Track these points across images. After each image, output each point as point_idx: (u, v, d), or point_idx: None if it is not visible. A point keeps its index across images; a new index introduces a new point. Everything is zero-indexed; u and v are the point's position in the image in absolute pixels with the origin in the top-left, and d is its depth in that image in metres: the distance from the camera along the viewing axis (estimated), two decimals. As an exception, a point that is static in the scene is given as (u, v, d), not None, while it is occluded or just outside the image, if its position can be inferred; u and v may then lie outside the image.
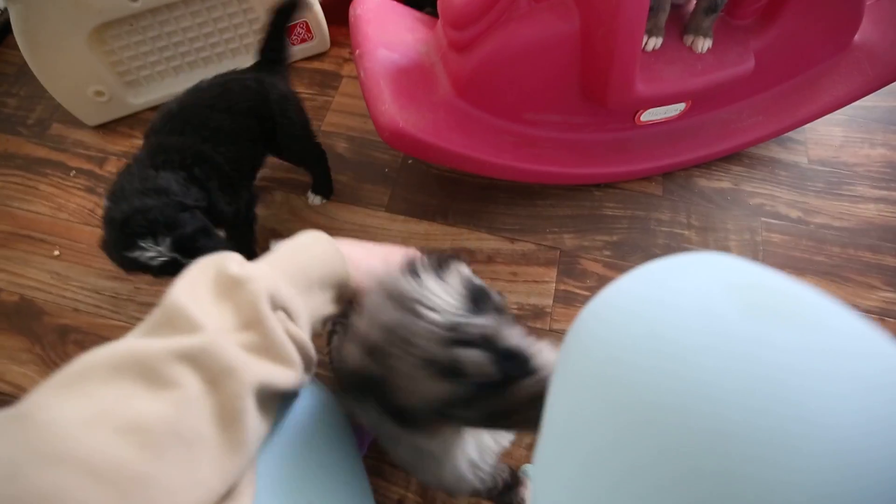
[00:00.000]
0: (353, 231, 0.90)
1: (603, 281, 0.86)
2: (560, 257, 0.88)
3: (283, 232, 0.90)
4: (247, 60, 1.07)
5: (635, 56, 0.67)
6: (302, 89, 1.08)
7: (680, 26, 0.80)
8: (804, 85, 0.91)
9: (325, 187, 0.92)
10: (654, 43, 0.75)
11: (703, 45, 0.77)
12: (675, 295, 0.22)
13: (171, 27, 0.98)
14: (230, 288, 0.35)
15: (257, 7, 0.99)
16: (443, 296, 0.35)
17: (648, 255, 0.89)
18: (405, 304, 0.34)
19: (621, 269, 0.86)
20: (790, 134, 0.99)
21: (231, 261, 0.37)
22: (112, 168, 1.01)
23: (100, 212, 0.95)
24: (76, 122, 1.05)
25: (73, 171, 1.01)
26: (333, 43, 1.12)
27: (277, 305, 0.36)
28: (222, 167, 0.69)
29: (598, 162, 0.86)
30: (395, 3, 0.81)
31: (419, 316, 0.34)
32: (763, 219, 0.93)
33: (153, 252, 0.57)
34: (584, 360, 0.24)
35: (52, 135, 1.07)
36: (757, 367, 0.18)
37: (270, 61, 0.82)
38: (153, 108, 1.06)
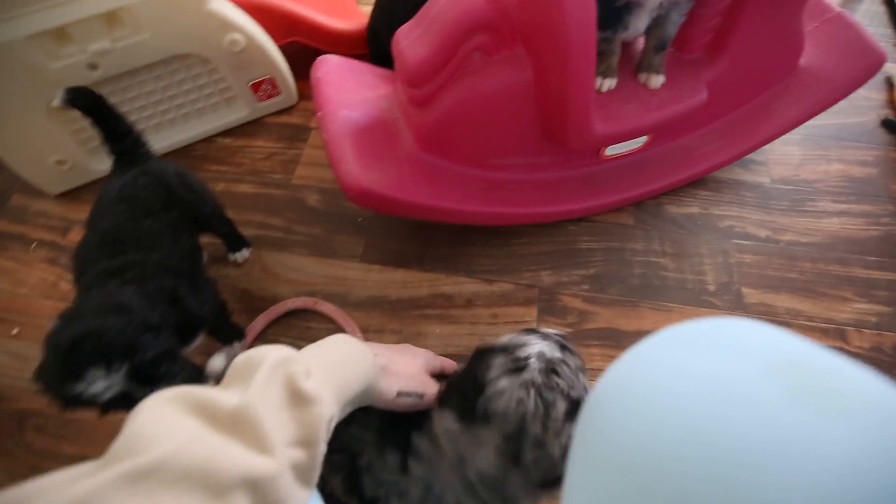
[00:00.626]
0: (330, 284, 0.89)
1: (584, 316, 0.86)
2: (539, 295, 0.87)
3: (256, 291, 0.89)
4: (214, 119, 1.09)
5: (590, 100, 0.68)
6: (271, 144, 1.09)
7: (633, 63, 0.83)
8: (758, 109, 0.95)
9: (239, 240, 0.90)
10: (608, 84, 0.77)
11: (657, 81, 0.80)
12: (712, 382, 0.20)
13: (134, 92, 0.98)
14: (298, 402, 0.36)
15: (221, 68, 0.99)
16: None
17: (627, 285, 0.89)
18: None
19: (601, 303, 0.87)
20: (751, 156, 1.02)
21: (299, 369, 0.37)
22: (75, 237, 0.99)
23: (63, 284, 0.93)
24: (37, 192, 1.03)
25: (35, 244, 0.99)
26: (301, 96, 1.13)
27: (329, 431, 0.38)
28: (181, 267, 0.66)
29: (568, 199, 0.87)
30: (356, 61, 0.83)
31: None
32: (734, 240, 0.95)
33: (102, 383, 0.48)
34: (613, 451, 0.22)
35: (13, 206, 1.04)
36: (815, 463, 0.17)
37: (126, 153, 0.73)
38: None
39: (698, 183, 1.00)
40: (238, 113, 1.10)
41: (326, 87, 0.74)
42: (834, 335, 0.86)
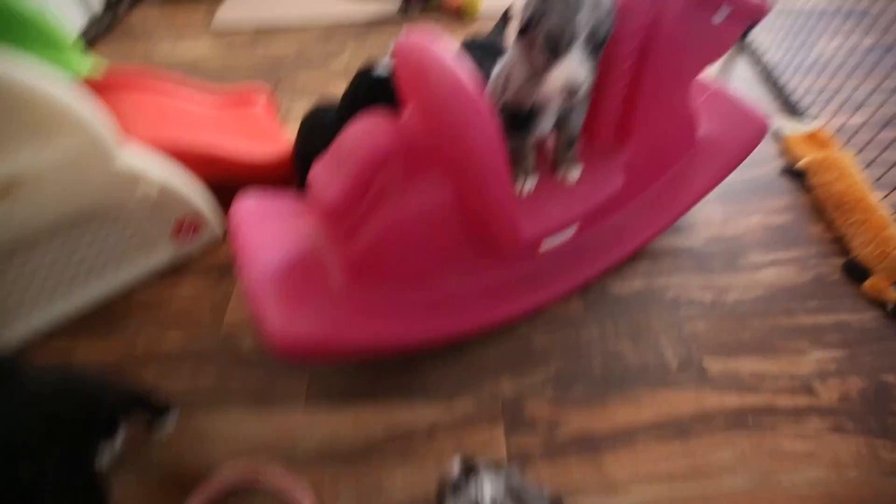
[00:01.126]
0: (274, 440, 0.78)
1: (553, 426, 0.80)
2: (503, 409, 0.81)
3: (187, 463, 0.77)
4: (130, 271, 1.01)
5: (513, 209, 0.69)
6: (197, 288, 1.02)
7: (549, 159, 0.86)
8: (673, 181, 1.00)
9: (160, 409, 0.78)
10: (529, 185, 0.79)
11: (574, 174, 0.82)
12: None
13: (34, 265, 0.90)
14: None
15: (135, 219, 0.94)
16: None
17: (590, 379, 0.85)
18: None
19: (568, 404, 0.82)
20: (679, 222, 1.06)
21: None
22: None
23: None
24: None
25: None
26: (225, 229, 1.09)
27: None
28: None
29: (513, 300, 0.85)
30: (277, 194, 0.81)
31: None
32: (683, 310, 0.95)
33: None
34: None
35: None
36: None
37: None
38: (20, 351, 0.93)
39: (636, 257, 1.02)
40: (157, 259, 1.03)
41: (246, 231, 0.71)
42: (802, 391, 0.84)
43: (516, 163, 0.78)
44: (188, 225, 1.01)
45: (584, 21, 0.59)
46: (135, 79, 1.11)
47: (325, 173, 0.64)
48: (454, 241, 0.74)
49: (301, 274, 0.69)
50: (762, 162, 1.26)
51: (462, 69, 0.55)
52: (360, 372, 0.86)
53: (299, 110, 1.42)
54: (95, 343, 0.93)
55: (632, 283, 0.98)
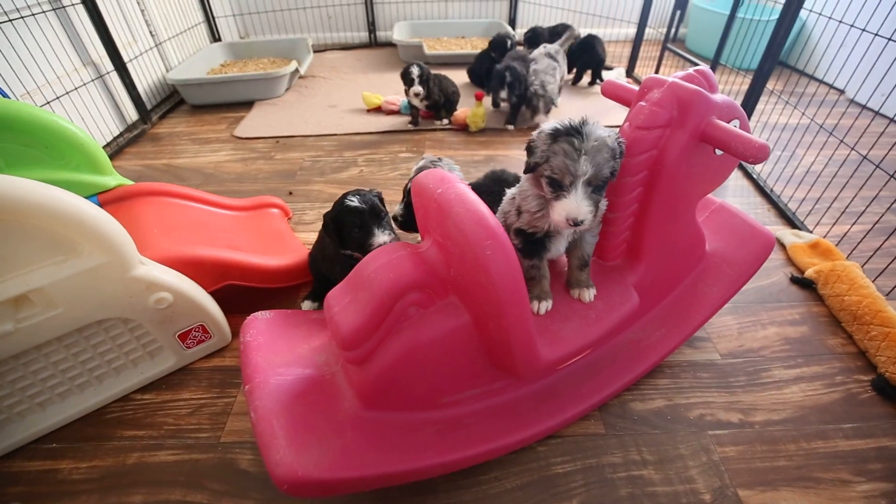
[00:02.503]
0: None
1: (581, 572, 0.71)
2: (524, 552, 0.73)
3: None
4: (134, 375, 0.98)
5: (531, 335, 0.67)
6: (199, 394, 0.98)
7: (562, 279, 0.87)
8: (686, 295, 1.00)
9: None
10: (545, 307, 0.78)
11: (589, 294, 0.82)
12: None
13: (40, 364, 0.88)
14: None
15: (145, 324, 0.93)
16: None
17: (618, 513, 0.78)
18: None
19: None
20: (696, 335, 1.04)
21: None
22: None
23: None
24: None
25: None
26: (235, 334, 1.07)
27: None
28: None
29: (530, 421, 0.80)
30: (289, 313, 0.80)
31: None
32: (710, 432, 0.89)
33: None
34: None
35: None
36: None
37: None
38: (6, 458, 0.88)
39: (655, 372, 0.99)
40: (163, 364, 1.00)
41: (255, 353, 0.69)
42: (853, 533, 0.76)
43: (531, 284, 0.79)
44: (197, 330, 1.00)
45: (584, 167, 0.64)
46: (156, 187, 1.17)
47: (342, 301, 0.64)
48: (470, 364, 0.71)
49: (311, 399, 0.66)
50: (769, 271, 1.27)
51: (482, 205, 0.58)
52: (368, 498, 0.79)
53: (312, 217, 1.48)
54: (83, 457, 0.87)
55: (653, 401, 0.94)
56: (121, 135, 2.02)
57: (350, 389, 0.67)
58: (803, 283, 1.23)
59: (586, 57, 2.41)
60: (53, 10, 1.72)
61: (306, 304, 1.12)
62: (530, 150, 0.71)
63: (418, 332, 0.65)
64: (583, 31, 3.37)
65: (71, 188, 1.08)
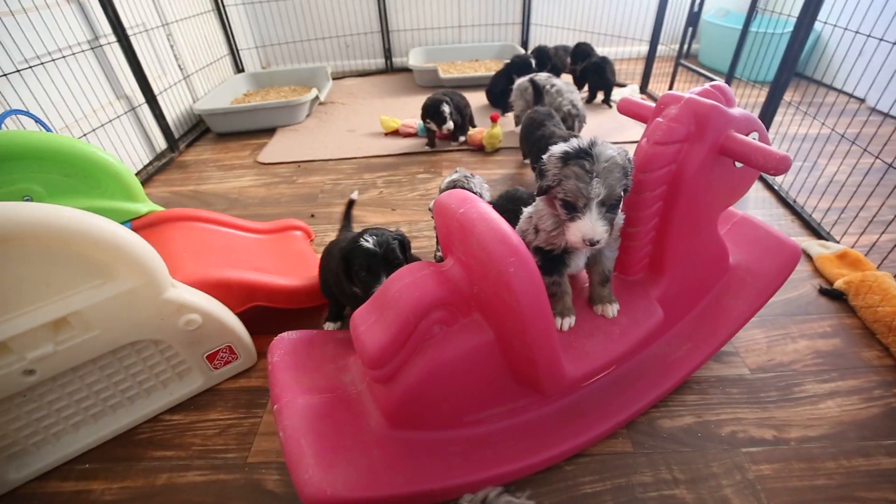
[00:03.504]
0: None
1: None
2: (554, 575, 0.71)
3: None
4: (164, 396, 1.01)
5: (556, 352, 0.67)
6: (226, 415, 0.99)
7: (584, 295, 0.86)
8: (711, 309, 0.98)
9: None
10: (568, 323, 0.78)
11: (612, 310, 0.82)
12: None
13: (75, 386, 0.91)
14: None
15: (175, 345, 0.96)
16: None
17: (650, 536, 0.75)
18: None
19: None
20: (724, 350, 1.02)
21: None
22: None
23: None
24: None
25: None
26: (261, 354, 1.09)
27: None
28: None
29: (557, 439, 0.79)
30: (314, 333, 0.82)
31: None
32: (743, 450, 0.87)
33: None
34: None
35: None
36: None
37: None
38: (41, 478, 0.90)
39: (683, 388, 0.96)
40: (191, 385, 1.03)
41: (283, 373, 0.71)
42: (902, 557, 0.72)
43: (553, 301, 0.79)
44: (224, 351, 1.02)
45: (597, 189, 0.65)
46: (184, 213, 1.21)
47: (368, 321, 0.65)
48: (495, 382, 0.72)
49: (339, 418, 0.66)
50: (795, 283, 1.24)
51: (504, 223, 0.59)
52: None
53: (334, 238, 1.51)
54: (114, 477, 0.89)
55: (682, 418, 0.92)
56: (150, 163, 2.11)
57: (376, 408, 0.68)
58: (833, 295, 1.19)
59: (596, 79, 2.44)
60: (91, 48, 1.82)
61: (328, 326, 1.13)
62: (542, 173, 0.72)
63: (443, 351, 0.65)
64: (596, 51, 3.41)
65: (107, 215, 1.13)
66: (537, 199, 0.79)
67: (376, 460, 0.63)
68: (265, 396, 1.02)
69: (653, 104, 0.84)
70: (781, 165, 0.66)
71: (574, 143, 0.69)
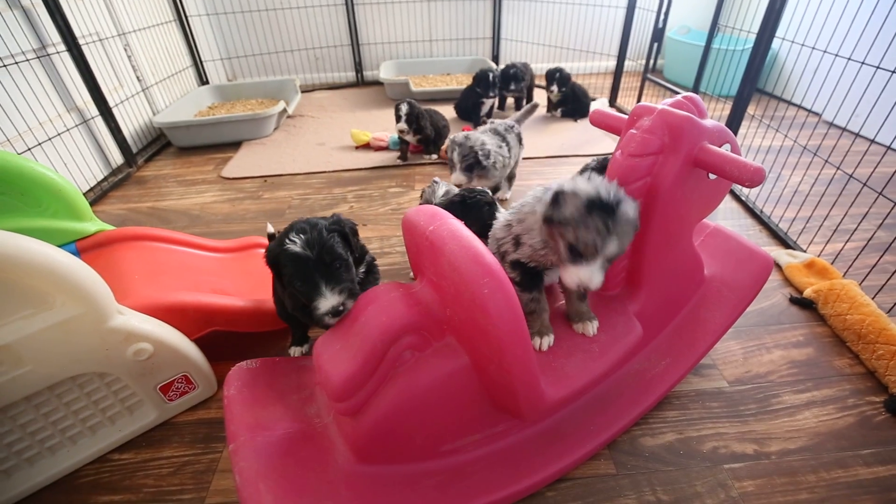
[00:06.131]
0: None
1: None
2: None
3: None
4: (112, 433, 0.92)
5: (534, 373, 0.64)
6: (182, 451, 0.91)
7: (560, 311, 0.83)
8: (688, 322, 0.97)
9: None
10: (547, 342, 0.75)
11: (592, 327, 0.79)
12: None
13: (5, 427, 0.81)
14: None
15: (124, 377, 0.87)
16: None
17: (636, 564, 0.72)
18: None
19: None
20: (702, 363, 1.01)
21: None
22: None
23: None
24: None
25: None
26: (220, 382, 1.01)
27: None
28: None
29: (537, 464, 0.75)
30: (276, 361, 0.75)
31: None
32: (725, 466, 0.85)
33: None
34: None
35: None
36: None
37: None
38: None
39: (663, 404, 0.94)
40: (143, 420, 0.94)
41: (240, 408, 0.64)
42: (887, 572, 0.71)
43: (531, 319, 0.75)
44: (180, 381, 0.94)
45: (611, 247, 0.62)
46: (137, 232, 1.13)
47: (332, 348, 0.60)
48: (471, 408, 0.67)
49: (301, 459, 0.60)
50: (767, 293, 1.25)
51: (476, 241, 0.55)
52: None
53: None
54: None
55: (663, 435, 0.89)
56: (105, 179, 2.00)
57: (343, 443, 0.63)
58: (803, 304, 1.21)
59: (576, 106, 2.49)
60: (38, 57, 1.72)
61: (294, 351, 1.07)
62: (556, 203, 0.67)
63: (415, 378, 0.60)
64: (564, 65, 3.49)
65: (48, 236, 1.06)
66: (522, 207, 0.76)
67: (344, 500, 0.57)
68: (223, 432, 0.94)
69: (625, 116, 0.83)
70: (756, 177, 0.65)
71: (602, 189, 0.65)
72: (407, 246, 0.67)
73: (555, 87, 2.41)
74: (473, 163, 1.43)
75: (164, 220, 1.69)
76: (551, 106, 2.56)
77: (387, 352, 0.58)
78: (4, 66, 1.56)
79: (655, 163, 0.72)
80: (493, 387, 0.65)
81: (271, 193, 1.85)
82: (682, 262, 0.91)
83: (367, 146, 2.20)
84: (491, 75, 2.33)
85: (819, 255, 1.34)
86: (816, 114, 2.55)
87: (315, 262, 0.72)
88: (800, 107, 2.65)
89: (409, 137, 1.96)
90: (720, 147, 0.75)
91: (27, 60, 1.65)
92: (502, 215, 0.84)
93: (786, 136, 1.64)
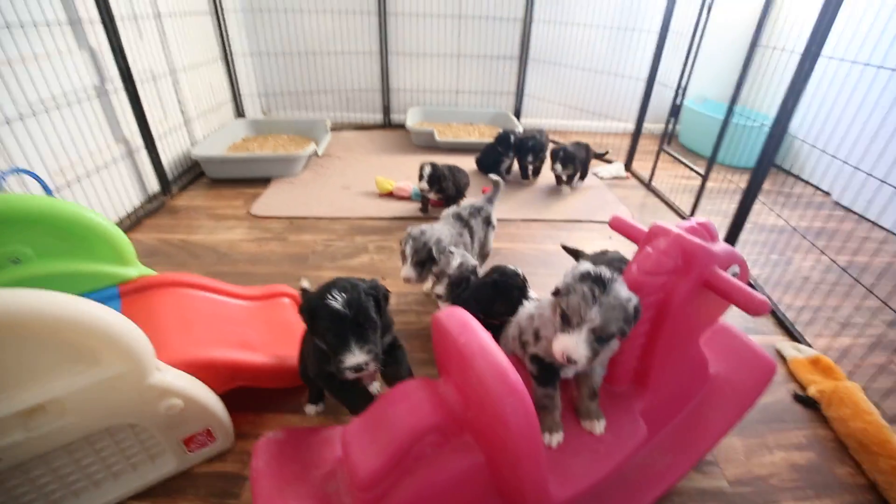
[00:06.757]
0: None
1: None
2: None
3: None
4: (132, 480, 0.96)
5: (543, 476, 0.68)
6: (196, 503, 0.95)
7: (571, 408, 0.88)
8: (691, 419, 1.00)
9: None
10: (556, 440, 0.79)
11: (600, 427, 0.83)
12: None
13: (40, 470, 0.86)
14: None
15: (152, 429, 0.92)
16: None
17: None
18: None
19: None
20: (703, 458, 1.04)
21: None
22: None
23: None
24: None
25: None
26: (238, 435, 1.06)
27: None
28: None
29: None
30: (299, 432, 0.80)
31: None
32: (722, 574, 0.87)
33: None
34: None
35: None
36: None
37: None
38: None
39: (663, 500, 0.97)
40: (163, 469, 0.98)
41: (268, 482, 0.69)
42: None
43: (543, 414, 0.80)
44: (202, 435, 0.99)
45: (594, 316, 0.68)
46: (172, 278, 1.20)
47: (361, 440, 0.65)
48: (484, 501, 0.71)
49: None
50: (772, 387, 1.28)
51: (503, 359, 0.61)
52: None
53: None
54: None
55: (663, 536, 0.92)
56: (141, 206, 2.10)
57: (362, 530, 0.67)
58: (807, 402, 1.23)
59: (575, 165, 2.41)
60: (98, 95, 1.85)
61: (309, 409, 1.12)
62: (563, 278, 0.76)
63: (434, 472, 0.65)
64: (582, 124, 3.61)
65: (97, 278, 1.14)
66: (542, 300, 0.82)
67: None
68: (239, 484, 0.98)
69: (643, 227, 0.89)
70: (761, 309, 0.71)
71: (600, 270, 0.72)
72: (435, 345, 0.73)
73: (559, 166, 2.35)
74: (425, 258, 1.37)
75: (193, 255, 1.77)
76: (559, 181, 2.48)
77: (410, 449, 0.63)
78: (68, 103, 1.68)
79: (668, 282, 0.78)
80: (503, 484, 0.69)
81: (296, 236, 1.93)
82: (688, 364, 0.95)
83: (390, 194, 2.29)
84: (512, 137, 2.44)
85: (826, 351, 1.37)
86: (825, 192, 2.61)
87: (351, 321, 0.79)
88: (809, 184, 2.72)
89: (431, 195, 2.05)
90: (728, 268, 0.80)
91: (87, 98, 1.78)
92: (528, 305, 0.90)
93: (794, 228, 1.69)
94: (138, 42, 2.10)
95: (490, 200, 1.70)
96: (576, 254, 1.53)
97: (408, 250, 1.38)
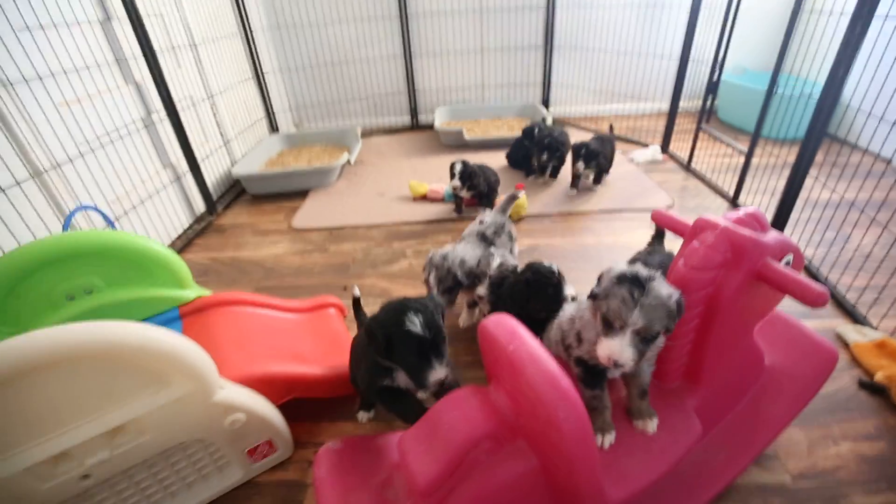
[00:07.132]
0: None
1: None
2: None
3: None
4: (203, 491, 1.03)
5: (598, 479, 0.68)
6: (263, 509, 1.01)
7: (621, 404, 0.87)
8: (747, 413, 0.97)
9: None
10: (609, 440, 0.79)
11: (652, 425, 0.82)
12: None
13: (124, 485, 0.94)
14: None
15: (219, 443, 0.99)
16: None
17: None
18: None
19: None
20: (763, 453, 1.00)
21: None
22: None
23: None
24: None
25: None
26: (297, 443, 1.12)
27: None
28: None
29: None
30: (357, 441, 0.84)
31: None
32: (791, 572, 0.84)
33: None
34: None
35: None
36: None
37: None
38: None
39: (722, 496, 0.95)
40: (230, 479, 1.05)
41: (330, 489, 0.73)
42: None
43: (594, 415, 0.80)
44: (264, 446, 1.05)
45: (636, 318, 0.67)
46: (227, 297, 1.27)
47: (418, 448, 0.68)
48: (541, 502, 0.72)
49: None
50: (834, 374, 1.21)
51: (553, 366, 0.61)
52: None
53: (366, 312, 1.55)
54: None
55: (724, 534, 0.90)
56: (190, 227, 2.22)
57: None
58: (874, 389, 1.17)
59: (599, 161, 2.25)
60: (146, 126, 1.97)
61: (361, 416, 1.16)
62: (599, 280, 0.76)
63: (490, 478, 0.67)
64: (615, 107, 3.50)
65: (158, 303, 1.22)
66: (584, 302, 0.82)
67: None
68: (302, 492, 1.03)
69: (687, 221, 0.87)
70: (819, 300, 0.68)
71: (637, 269, 0.71)
72: (483, 353, 0.75)
73: (581, 164, 2.18)
74: (452, 285, 1.33)
75: (242, 272, 1.86)
76: (575, 181, 2.29)
77: (466, 456, 0.65)
78: (121, 137, 1.80)
79: (717, 276, 0.76)
80: (558, 487, 0.70)
81: (336, 246, 1.99)
82: (741, 358, 0.92)
83: (424, 198, 2.32)
84: (536, 129, 2.40)
85: (893, 334, 1.29)
86: (885, 159, 2.42)
87: (430, 341, 0.84)
88: (866, 151, 2.53)
89: (463, 193, 2.06)
90: (782, 258, 0.77)
91: (137, 130, 1.90)
92: (569, 308, 0.90)
93: (848, 201, 1.58)
94: (177, 71, 2.22)
95: (504, 210, 1.63)
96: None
97: (432, 280, 1.33)
